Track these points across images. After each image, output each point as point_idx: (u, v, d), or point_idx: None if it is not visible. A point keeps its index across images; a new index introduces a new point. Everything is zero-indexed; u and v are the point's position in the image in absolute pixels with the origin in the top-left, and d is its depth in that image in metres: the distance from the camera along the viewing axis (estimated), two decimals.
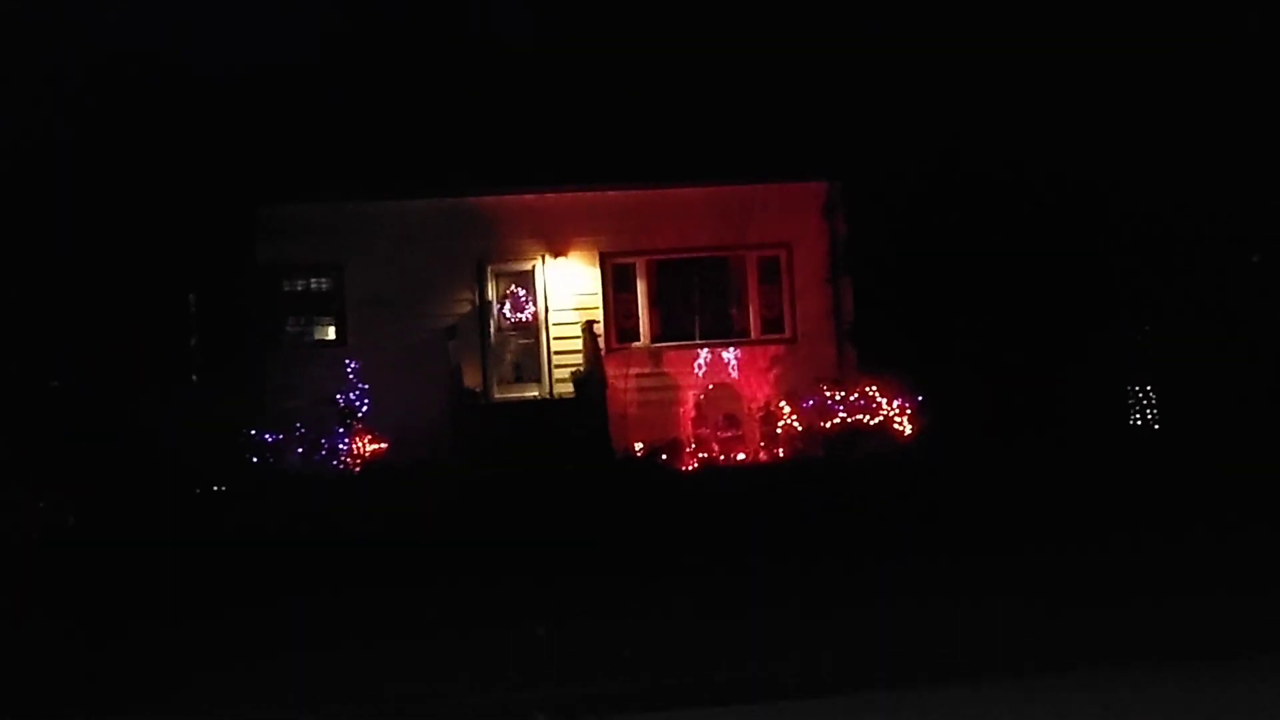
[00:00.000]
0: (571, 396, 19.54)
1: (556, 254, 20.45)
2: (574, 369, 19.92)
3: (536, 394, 20.22)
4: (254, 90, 18.87)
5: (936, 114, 19.45)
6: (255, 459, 17.96)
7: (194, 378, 19.16)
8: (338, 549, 13.33)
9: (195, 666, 9.34)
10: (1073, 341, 19.20)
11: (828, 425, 18.94)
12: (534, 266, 20.48)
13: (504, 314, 20.47)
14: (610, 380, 19.32)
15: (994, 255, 19.30)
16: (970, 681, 8.20)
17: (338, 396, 18.86)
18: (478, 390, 19.77)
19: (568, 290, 20.47)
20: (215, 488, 17.49)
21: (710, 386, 20.32)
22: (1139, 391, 20.01)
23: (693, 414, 20.15)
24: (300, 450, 18.30)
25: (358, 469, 18.23)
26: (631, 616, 10.25)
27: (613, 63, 20.21)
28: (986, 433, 17.80)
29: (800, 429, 19.23)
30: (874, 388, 19.14)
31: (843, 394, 19.21)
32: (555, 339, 20.36)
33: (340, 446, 18.35)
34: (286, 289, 20.14)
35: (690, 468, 19.07)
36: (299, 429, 18.37)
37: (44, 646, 10.11)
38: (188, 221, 18.19)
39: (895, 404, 19.00)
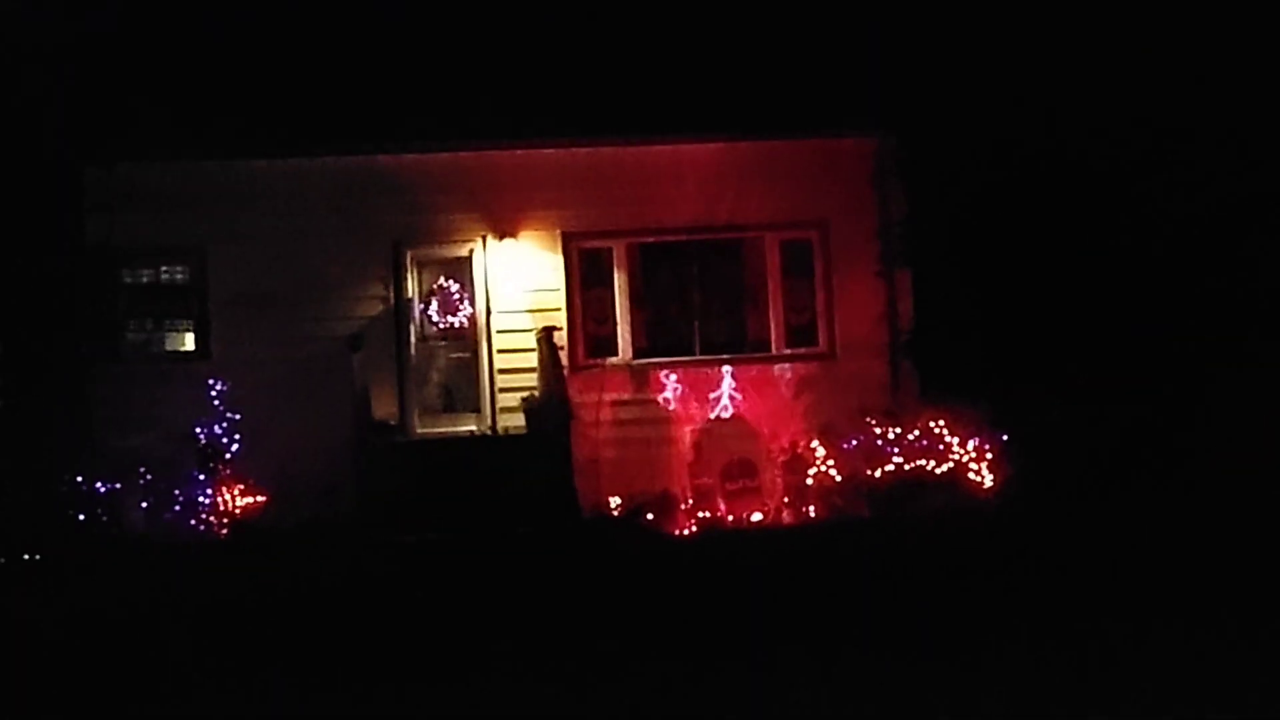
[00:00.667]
0: (523, 431, 19.60)
1: (503, 234, 20.40)
2: (527, 394, 19.90)
3: (475, 428, 20.21)
4: (80, 12, 18.77)
5: (1038, 40, 19.49)
6: (82, 516, 17.97)
7: None
8: (192, 646, 13.13)
9: None
10: (1221, 362, 19.16)
11: (877, 474, 18.92)
12: (472, 251, 20.44)
13: (430, 317, 20.44)
14: (577, 409, 19.16)
15: (1112, 243, 19.43)
16: None
17: (198, 430, 18.84)
18: (393, 423, 19.75)
19: (518, 285, 20.43)
20: (26, 556, 17.37)
21: (715, 419, 20.37)
22: None
23: (690, 457, 20.14)
24: (145, 505, 18.35)
25: (224, 532, 18.23)
26: None
27: None
28: (1097, 484, 17.86)
29: (839, 479, 19.23)
30: (942, 422, 19.12)
31: (898, 431, 19.12)
32: (501, 352, 20.34)
33: (201, 499, 18.37)
34: (128, 280, 20.06)
35: (687, 532, 19.02)
36: (144, 475, 18.41)
37: None
38: None
39: (972, 444, 18.96)
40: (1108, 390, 18.89)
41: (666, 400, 20.49)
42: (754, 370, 20.58)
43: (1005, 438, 19.00)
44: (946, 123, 19.70)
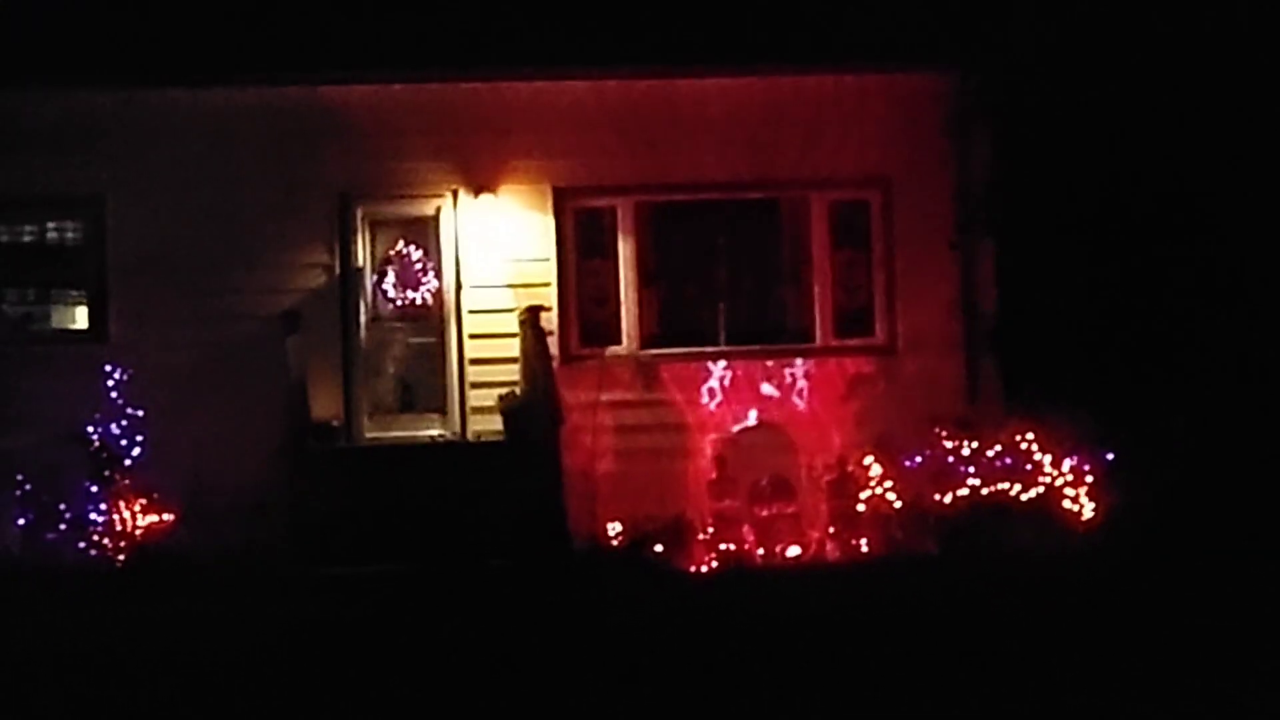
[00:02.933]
0: (500, 438, 19.60)
1: (479, 189, 20.38)
2: (506, 391, 19.87)
3: (439, 432, 20.30)
4: None
5: None
6: None
7: None
8: (80, 701, 13.01)
9: None
10: None
11: (948, 500, 19.00)
12: (439, 210, 20.52)
13: (385, 292, 20.49)
14: (569, 412, 19.18)
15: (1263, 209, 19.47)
16: None
17: (90, 430, 18.84)
18: (336, 425, 19.82)
19: (498, 253, 20.44)
20: None
21: (743, 428, 20.48)
22: None
23: (712, 474, 20.15)
24: (22, 522, 18.55)
25: (121, 558, 18.27)
26: None
27: None
28: (1233, 519, 17.85)
29: (899, 505, 19.26)
30: (1031, 435, 19.14)
31: (975, 445, 19.19)
32: (474, 337, 20.42)
33: (93, 517, 18.42)
34: (4, 239, 20.31)
35: (706, 569, 19.10)
36: (21, 485, 18.60)
37: None
38: None
39: (1069, 464, 18.98)
40: (1250, 401, 19.11)
41: (682, 402, 20.50)
42: (796, 366, 20.60)
43: (1112, 457, 19.00)
44: (1048, 58, 19.78)
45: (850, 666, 13.86)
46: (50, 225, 20.23)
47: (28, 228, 20.20)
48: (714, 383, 20.44)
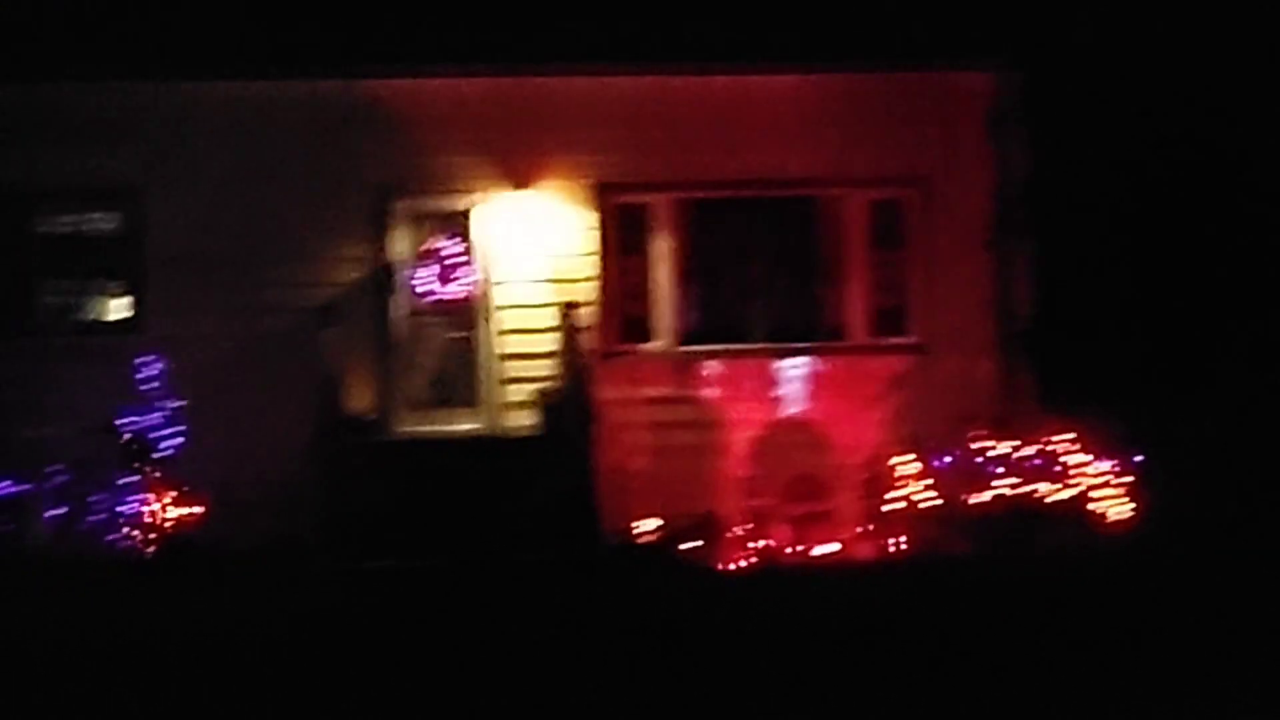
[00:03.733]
0: (534, 434, 19.54)
1: (517, 184, 20.43)
2: (540, 386, 19.86)
3: (473, 426, 20.27)
4: None
5: None
6: None
7: None
8: (110, 693, 12.90)
9: None
10: None
11: (981, 500, 18.89)
12: (475, 206, 20.48)
13: (421, 286, 20.37)
14: (603, 408, 19.07)
15: None
16: None
17: (125, 421, 18.65)
18: (371, 418, 19.82)
19: (533, 248, 20.44)
20: None
21: (778, 425, 20.49)
22: None
23: (745, 472, 20.22)
24: (56, 512, 18.34)
25: (153, 548, 18.17)
26: None
27: None
28: (1271, 522, 17.74)
29: (934, 504, 19.16)
30: (1066, 437, 19.07)
31: (1010, 446, 19.09)
32: (509, 332, 20.40)
33: (125, 509, 18.25)
34: (43, 230, 20.14)
35: (737, 565, 19.04)
36: (57, 475, 18.39)
37: None
38: None
39: (1105, 466, 18.92)
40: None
41: (716, 399, 20.49)
42: (829, 364, 20.60)
43: (1147, 459, 18.93)
44: (1090, 57, 19.94)
45: (879, 666, 13.72)
46: (89, 217, 20.11)
47: (67, 219, 20.09)
48: (748, 380, 20.42)
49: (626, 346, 20.38)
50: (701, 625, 15.77)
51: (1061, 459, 18.92)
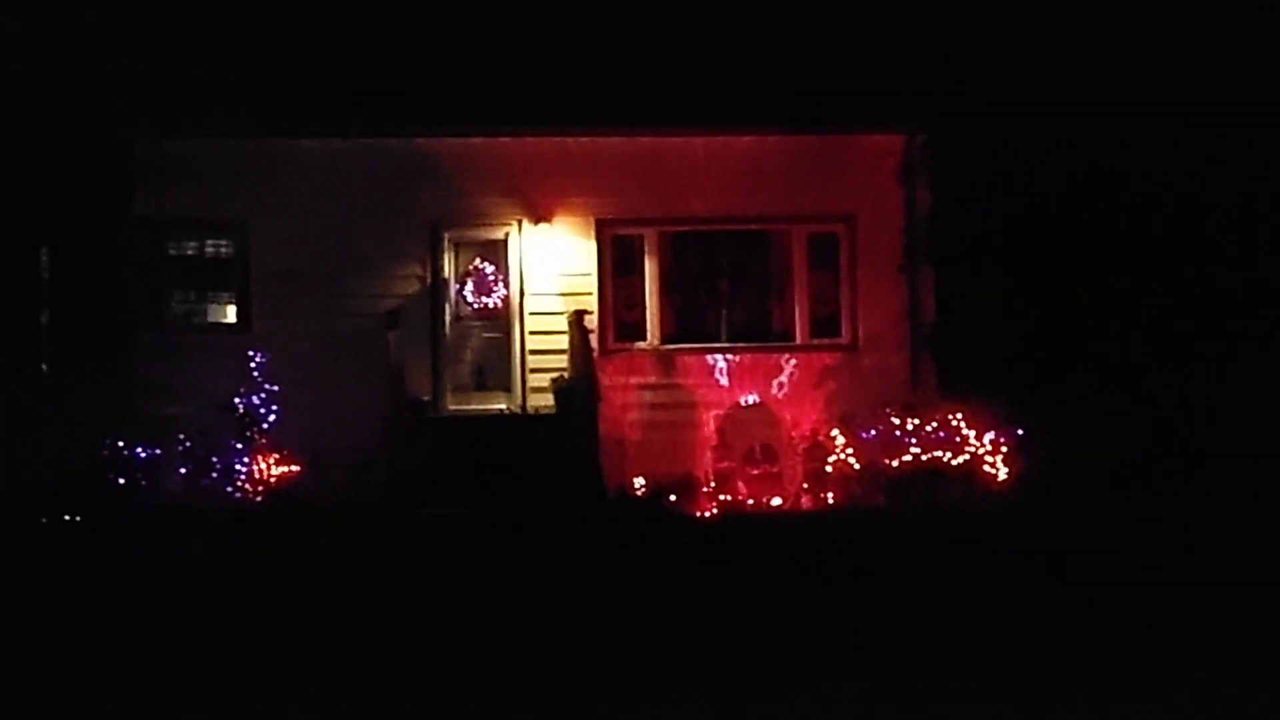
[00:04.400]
0: (551, 412, 19.55)
1: (538, 219, 20.40)
2: (556, 375, 19.88)
3: (505, 406, 20.23)
4: None
5: (1058, 47, 19.42)
6: (122, 481, 18.00)
7: (43, 367, 19.20)
8: (229, 611, 13.32)
9: None
10: (1239, 364, 19.17)
11: (895, 464, 18.91)
12: (507, 235, 20.45)
13: (465, 297, 20.46)
14: (604, 392, 19.26)
15: (1132, 243, 19.43)
16: None
17: (237, 400, 18.87)
18: (426, 399, 19.74)
19: (552, 268, 20.43)
20: (68, 517, 17.40)
21: (739, 406, 20.36)
22: None
23: (714, 441, 20.09)
24: (184, 471, 18.40)
25: (259, 499, 18.27)
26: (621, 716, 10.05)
27: None
28: (1112, 481, 17.84)
29: (858, 467, 19.20)
30: (960, 415, 19.09)
31: (916, 422, 19.09)
32: (533, 333, 20.35)
33: (238, 468, 18.44)
34: (173, 253, 20.16)
35: (708, 514, 18.93)
36: (183, 442, 18.45)
37: None
38: (40, 160, 18.36)
39: (988, 438, 18.93)
40: (1126, 390, 18.86)
41: (691, 385, 20.49)
42: (780, 360, 20.57)
43: (1021, 433, 18.92)
44: (975, 123, 19.59)
45: (816, 590, 14.20)
46: (208, 243, 20.09)
47: (190, 244, 20.13)
48: (718, 371, 20.43)
49: (622, 345, 20.33)
50: (680, 558, 16.09)
51: (957, 432, 18.92)
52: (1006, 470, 18.94)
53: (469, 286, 20.50)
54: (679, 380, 20.49)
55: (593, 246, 20.53)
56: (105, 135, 18.80)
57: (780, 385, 20.54)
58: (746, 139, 20.58)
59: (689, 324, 20.73)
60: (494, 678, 10.99)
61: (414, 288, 20.25)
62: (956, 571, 14.91)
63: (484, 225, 20.49)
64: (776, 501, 19.48)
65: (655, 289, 20.66)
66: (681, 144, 20.57)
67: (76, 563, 15.75)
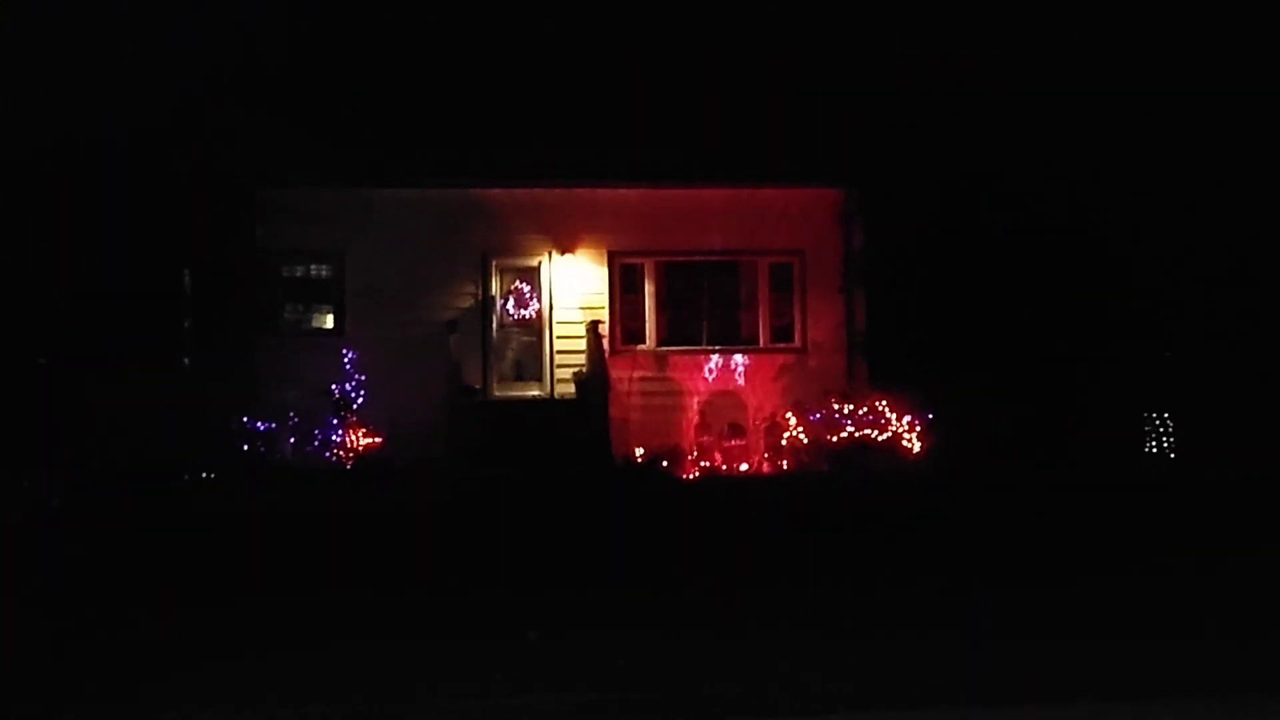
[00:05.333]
0: (573, 397, 19.56)
1: (564, 250, 20.37)
2: (577, 369, 19.89)
3: (538, 393, 20.18)
4: (258, 73, 18.75)
5: (957, 123, 19.32)
6: (246, 447, 17.97)
7: (186, 361, 19.01)
8: (328, 546, 13.26)
9: (181, 661, 9.21)
10: (1091, 364, 19.06)
11: (835, 439, 18.86)
12: (540, 263, 20.41)
13: (507, 310, 20.42)
14: (614, 382, 19.34)
15: (1013, 271, 19.17)
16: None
17: (333, 387, 18.92)
18: (477, 387, 19.72)
19: (574, 288, 20.41)
20: (204, 474, 17.36)
21: (716, 394, 20.29)
22: (1156, 418, 19.78)
23: (696, 421, 20.07)
24: (293, 441, 18.35)
25: (350, 463, 18.23)
26: (625, 627, 10.06)
27: (626, 59, 20.15)
28: (997, 453, 17.73)
29: (806, 442, 19.12)
30: (884, 403, 19.04)
31: (851, 408, 19.10)
32: (559, 338, 20.30)
33: (334, 439, 18.41)
34: (286, 275, 20.11)
35: (692, 476, 18.92)
36: (292, 419, 18.42)
37: (33, 634, 10.03)
38: (186, 202, 18.27)
39: (905, 420, 18.93)
40: (1013, 386, 18.71)
41: (680, 378, 20.44)
42: (747, 359, 20.53)
43: (931, 416, 18.91)
44: (893, 181, 19.52)
45: (774, 534, 14.25)
46: (313, 267, 20.10)
47: (299, 268, 20.11)
48: (700, 367, 20.37)
49: (627, 347, 20.26)
50: (671, 510, 16.11)
51: (882, 416, 18.94)
52: (919, 444, 18.92)
53: (510, 302, 20.48)
54: (670, 374, 20.43)
55: (605, 272, 20.51)
56: (236, 185, 18.78)
57: (747, 378, 20.45)
58: (722, 192, 20.54)
59: (678, 331, 20.65)
60: (529, 601, 10.94)
61: (468, 302, 20.22)
62: (880, 518, 14.95)
63: (522, 255, 20.45)
64: (744, 467, 19.45)
65: (653, 304, 20.60)
66: (672, 194, 20.59)
67: (215, 508, 15.90)
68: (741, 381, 20.38)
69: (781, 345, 20.71)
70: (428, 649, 9.57)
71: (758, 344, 20.70)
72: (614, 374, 19.52)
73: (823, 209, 20.69)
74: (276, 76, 19.06)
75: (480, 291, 20.23)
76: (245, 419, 18.10)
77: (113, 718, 8.19)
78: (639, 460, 19.19)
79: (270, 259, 19.70)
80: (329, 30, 19.61)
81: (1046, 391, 18.73)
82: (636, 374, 20.21)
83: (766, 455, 19.56)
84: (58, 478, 16.12)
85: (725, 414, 20.12)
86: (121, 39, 18.29)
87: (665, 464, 19.00)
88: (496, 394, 20.11)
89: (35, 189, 17.66)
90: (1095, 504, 15.46)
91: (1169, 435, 19.71)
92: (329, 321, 20.16)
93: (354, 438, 18.44)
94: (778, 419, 19.72)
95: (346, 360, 19.14)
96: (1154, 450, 19.80)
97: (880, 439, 18.84)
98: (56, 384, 17.51)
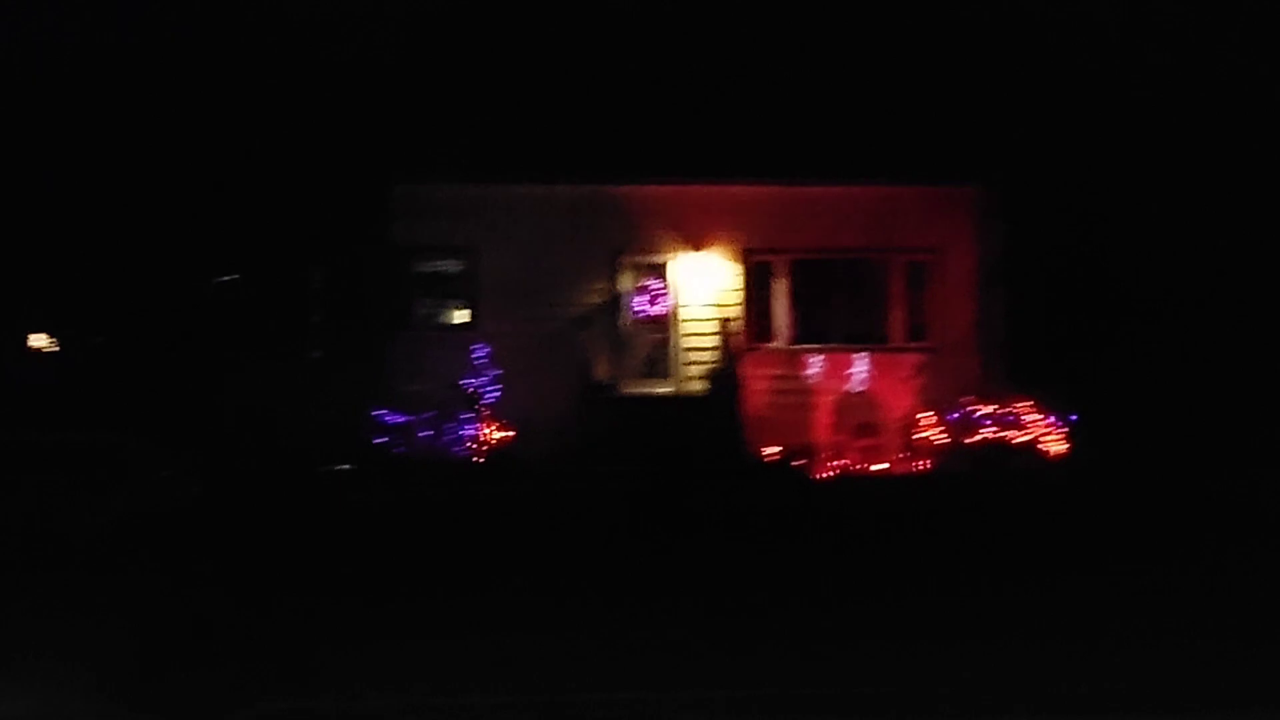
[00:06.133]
0: (703, 394, 19.51)
1: (694, 248, 20.29)
2: (706, 366, 19.85)
3: (667, 390, 20.10)
4: (396, 71, 19.04)
5: (1094, 118, 19.06)
6: (379, 440, 18.12)
7: (318, 354, 19.38)
8: (463, 539, 13.48)
9: (335, 647, 9.45)
10: (1254, 367, 18.64)
11: (972, 440, 18.70)
12: (669, 260, 20.36)
13: (637, 306, 20.38)
14: (744, 380, 19.13)
15: (1163, 270, 18.97)
16: None
17: (466, 381, 18.94)
18: (607, 383, 19.68)
19: (703, 286, 20.30)
20: (339, 466, 17.54)
21: (849, 393, 20.09)
22: None
23: (829, 420, 19.92)
24: (426, 434, 18.42)
25: (483, 457, 18.31)
26: (762, 618, 10.17)
27: (760, 56, 20.09)
28: (1143, 458, 17.39)
29: (943, 442, 18.96)
30: (1022, 404, 18.82)
31: (991, 408, 18.89)
32: (688, 335, 20.23)
33: (467, 433, 18.46)
34: (418, 270, 20.15)
35: (826, 476, 18.76)
36: (425, 412, 18.49)
37: (190, 621, 10.30)
38: (320, 197, 18.56)
39: (1045, 422, 18.66)
40: (1152, 391, 18.41)
41: (811, 376, 20.23)
42: (880, 358, 20.28)
43: (1073, 420, 18.62)
44: (1036, 179, 19.22)
45: (909, 533, 14.25)
46: (446, 263, 20.06)
47: (432, 264, 20.07)
48: (832, 366, 20.10)
49: (759, 344, 20.07)
50: (804, 509, 16.12)
51: (1022, 417, 18.78)
52: (1060, 448, 18.65)
53: (640, 298, 20.40)
54: (801, 372, 20.20)
55: (736, 269, 20.35)
56: (371, 181, 18.94)
57: (879, 377, 20.20)
58: (858, 189, 20.31)
59: (810, 329, 20.43)
60: (668, 600, 11.00)
61: (599, 298, 20.19)
62: (1020, 521, 14.83)
63: (653, 252, 20.37)
64: (879, 467, 19.26)
65: (785, 302, 20.42)
66: (806, 192, 20.33)
67: (351, 499, 16.18)
68: (874, 380, 20.13)
69: (916, 344, 20.43)
70: (563, 644, 9.66)
71: (891, 342, 20.43)
72: (744, 371, 19.29)
73: (959, 207, 20.46)
74: (412, 75, 19.31)
75: (610, 288, 20.21)
76: (377, 412, 18.24)
77: (313, 694, 8.41)
78: (771, 458, 19.00)
79: (404, 254, 19.75)
80: (462, 28, 19.77)
81: (1203, 394, 18.31)
82: (767, 371, 19.97)
83: (901, 455, 19.42)
84: (196, 468, 16.10)
85: (859, 413, 19.95)
86: (259, 37, 18.59)
87: (799, 462, 18.83)
88: (625, 390, 19.99)
89: (172, 188, 18.00)
90: (1228, 505, 15.20)
91: None
92: (461, 316, 20.20)
93: (487, 432, 18.49)
94: (912, 418, 19.57)
95: (479, 355, 19.12)
96: None
97: (1019, 441, 18.61)
98: (193, 377, 17.94)
